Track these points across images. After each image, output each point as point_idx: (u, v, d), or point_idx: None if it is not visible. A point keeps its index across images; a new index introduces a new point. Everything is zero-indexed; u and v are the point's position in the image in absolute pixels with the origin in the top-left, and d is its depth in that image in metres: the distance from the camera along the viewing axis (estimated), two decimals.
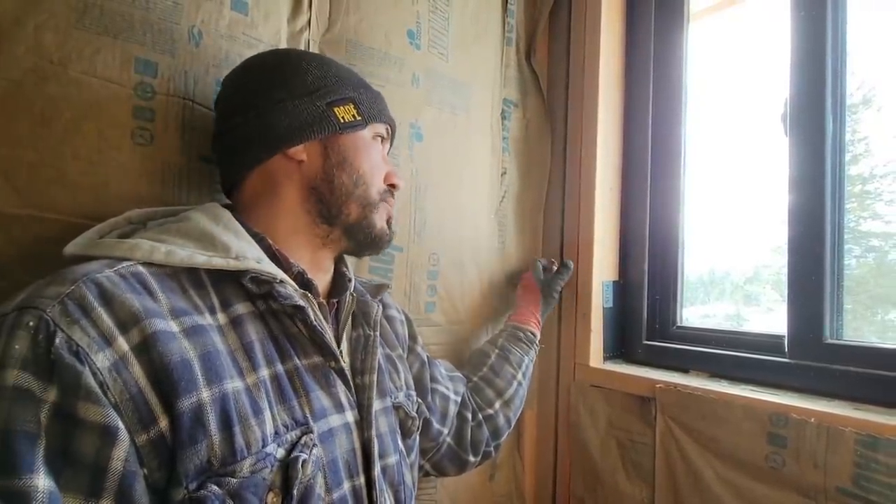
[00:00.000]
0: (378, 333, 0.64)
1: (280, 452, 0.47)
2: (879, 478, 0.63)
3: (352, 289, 0.64)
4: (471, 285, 1.01)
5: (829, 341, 0.79)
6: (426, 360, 0.79)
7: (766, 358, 0.85)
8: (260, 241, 0.56)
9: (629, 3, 1.10)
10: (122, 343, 0.41)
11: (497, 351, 0.91)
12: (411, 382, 0.72)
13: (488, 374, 0.88)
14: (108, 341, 0.41)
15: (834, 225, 0.81)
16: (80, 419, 0.38)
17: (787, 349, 0.83)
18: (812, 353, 0.80)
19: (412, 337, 0.78)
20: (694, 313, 1.09)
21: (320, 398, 0.53)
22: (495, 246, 1.06)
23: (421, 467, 0.80)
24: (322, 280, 0.62)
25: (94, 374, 0.39)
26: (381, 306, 0.67)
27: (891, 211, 0.85)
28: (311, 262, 0.60)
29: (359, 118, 0.61)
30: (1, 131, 0.56)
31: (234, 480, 0.43)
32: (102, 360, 0.40)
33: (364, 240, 0.63)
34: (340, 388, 0.55)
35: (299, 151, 0.59)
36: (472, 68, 1.02)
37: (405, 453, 0.64)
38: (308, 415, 0.50)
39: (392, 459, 0.59)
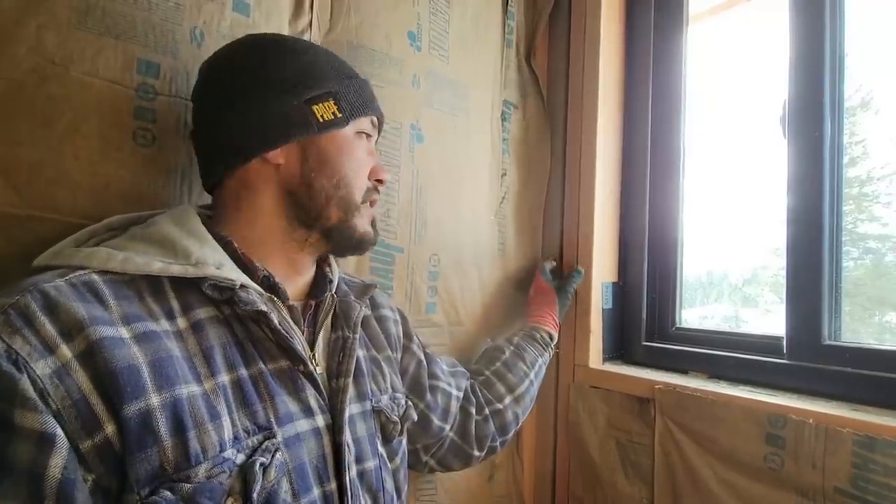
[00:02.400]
0: (357, 336, 0.62)
1: (240, 458, 0.46)
2: (877, 478, 0.64)
3: (333, 290, 0.63)
4: (471, 286, 1.01)
5: (828, 343, 0.80)
6: (424, 358, 0.77)
7: (764, 359, 0.85)
8: (226, 245, 0.55)
9: (629, 4, 1.11)
10: (66, 350, 0.41)
11: (512, 348, 0.91)
12: (398, 384, 0.70)
13: (501, 369, 0.88)
14: (50, 349, 0.41)
15: (832, 227, 0.81)
16: (16, 426, 0.38)
17: (785, 350, 0.84)
18: (810, 355, 0.80)
19: (407, 335, 0.77)
20: (693, 315, 1.09)
21: (286, 402, 0.52)
22: (495, 247, 1.06)
23: (425, 464, 0.80)
24: (297, 282, 0.61)
25: (32, 382, 0.39)
26: (363, 307, 0.65)
27: (888, 213, 0.85)
28: (288, 264, 0.59)
29: (339, 115, 0.58)
30: (1, 131, 0.56)
31: (189, 486, 0.42)
32: (43, 367, 0.40)
33: (345, 243, 0.61)
34: (310, 392, 0.54)
35: (277, 155, 0.57)
36: (473, 70, 1.02)
37: (386, 458, 0.62)
38: (272, 419, 0.50)
39: (370, 464, 0.58)
